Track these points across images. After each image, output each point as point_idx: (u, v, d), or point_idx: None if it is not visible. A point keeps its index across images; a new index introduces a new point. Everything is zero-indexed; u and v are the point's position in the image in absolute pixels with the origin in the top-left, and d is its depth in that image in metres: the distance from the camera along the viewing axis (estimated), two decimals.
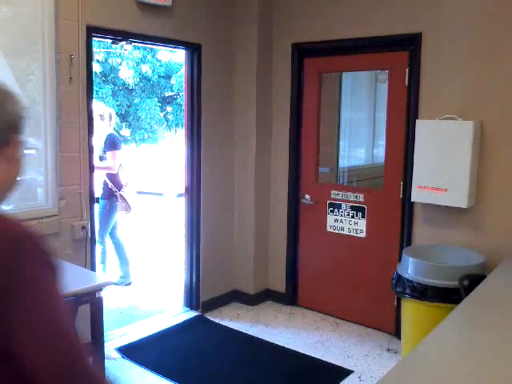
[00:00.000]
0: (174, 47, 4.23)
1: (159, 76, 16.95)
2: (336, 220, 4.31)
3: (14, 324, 0.87)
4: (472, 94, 3.52)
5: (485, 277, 2.90)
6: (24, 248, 0.93)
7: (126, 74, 16.31)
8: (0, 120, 1.04)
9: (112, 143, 4.80)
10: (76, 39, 3.29)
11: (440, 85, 3.64)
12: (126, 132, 18.28)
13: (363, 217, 4.15)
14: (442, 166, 3.50)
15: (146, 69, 16.46)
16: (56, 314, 0.91)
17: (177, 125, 17.32)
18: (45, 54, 3.18)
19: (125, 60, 16.11)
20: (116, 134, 4.98)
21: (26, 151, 1.18)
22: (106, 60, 15.98)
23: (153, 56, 16.44)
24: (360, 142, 4.90)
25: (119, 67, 16.37)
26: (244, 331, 4.09)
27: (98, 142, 4.65)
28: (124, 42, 3.75)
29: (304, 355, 3.72)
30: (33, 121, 3.22)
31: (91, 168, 3.49)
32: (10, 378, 0.85)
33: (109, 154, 4.78)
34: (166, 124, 18.02)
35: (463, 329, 2.28)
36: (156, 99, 17.32)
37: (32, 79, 3.22)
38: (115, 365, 3.50)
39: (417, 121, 3.65)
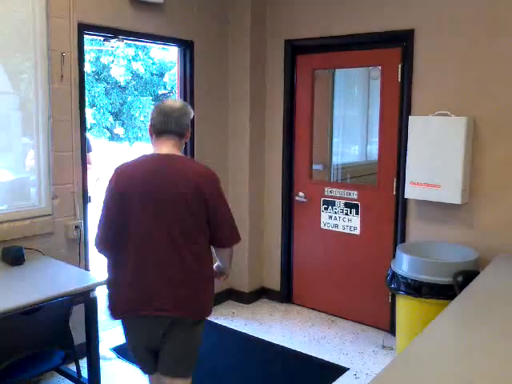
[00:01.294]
0: (167, 44, 4.20)
1: (152, 74, 16.89)
2: (330, 217, 4.31)
3: (214, 210, 2.15)
4: (465, 90, 3.52)
5: (478, 273, 2.92)
6: (216, 180, 2.20)
7: (118, 72, 16.23)
8: (188, 120, 2.25)
9: None
10: (67, 37, 3.26)
11: (433, 81, 3.65)
12: (119, 130, 18.23)
13: (357, 214, 4.15)
14: (435, 162, 3.50)
15: (138, 67, 16.39)
16: (227, 206, 2.22)
17: None
18: (36, 53, 3.16)
19: (116, 58, 16.03)
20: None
21: None
22: (97, 58, 15.89)
23: (145, 54, 16.38)
24: (353, 139, 4.89)
25: (111, 65, 16.28)
26: (239, 329, 4.09)
27: None
28: (116, 40, 3.72)
29: (299, 353, 3.72)
30: (25, 119, 3.21)
31: (84, 167, 3.47)
32: (207, 232, 2.17)
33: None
34: None
35: (458, 325, 2.29)
36: (150, 97, 17.26)
37: (24, 78, 3.20)
38: (110, 365, 3.50)
39: (410, 117, 3.65)
